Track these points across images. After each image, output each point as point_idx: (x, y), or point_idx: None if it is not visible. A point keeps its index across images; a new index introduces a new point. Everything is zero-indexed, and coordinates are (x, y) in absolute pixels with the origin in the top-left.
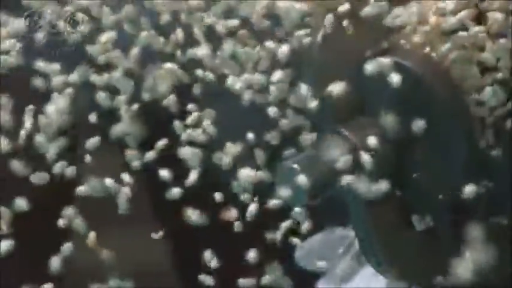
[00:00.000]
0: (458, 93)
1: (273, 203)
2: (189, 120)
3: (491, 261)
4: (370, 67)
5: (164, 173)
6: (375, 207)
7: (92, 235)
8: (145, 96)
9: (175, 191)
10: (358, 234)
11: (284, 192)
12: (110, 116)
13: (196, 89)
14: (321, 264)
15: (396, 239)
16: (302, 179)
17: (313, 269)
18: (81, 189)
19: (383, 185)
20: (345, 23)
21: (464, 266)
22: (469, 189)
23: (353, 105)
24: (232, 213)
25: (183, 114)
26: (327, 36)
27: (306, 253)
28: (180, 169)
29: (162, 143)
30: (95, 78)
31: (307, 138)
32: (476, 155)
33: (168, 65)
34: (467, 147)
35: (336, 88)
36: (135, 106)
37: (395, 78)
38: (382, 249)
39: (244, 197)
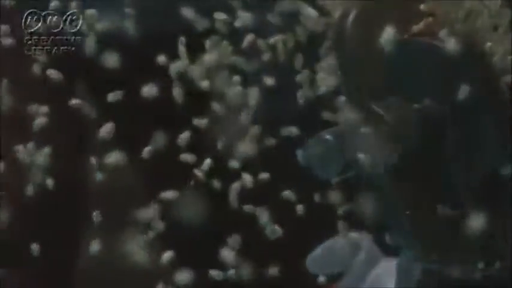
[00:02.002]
0: (495, 78)
1: None
2: None
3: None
4: (405, 48)
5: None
6: (403, 186)
7: None
8: None
9: None
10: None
11: (317, 164)
12: None
13: None
14: (333, 269)
15: (426, 220)
16: (335, 151)
17: (325, 274)
18: None
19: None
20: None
21: None
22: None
23: (386, 84)
24: None
25: None
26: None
27: (317, 259)
28: None
29: None
30: None
31: (342, 112)
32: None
33: None
34: (502, 128)
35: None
36: None
37: (449, 46)
38: (411, 229)
39: None
